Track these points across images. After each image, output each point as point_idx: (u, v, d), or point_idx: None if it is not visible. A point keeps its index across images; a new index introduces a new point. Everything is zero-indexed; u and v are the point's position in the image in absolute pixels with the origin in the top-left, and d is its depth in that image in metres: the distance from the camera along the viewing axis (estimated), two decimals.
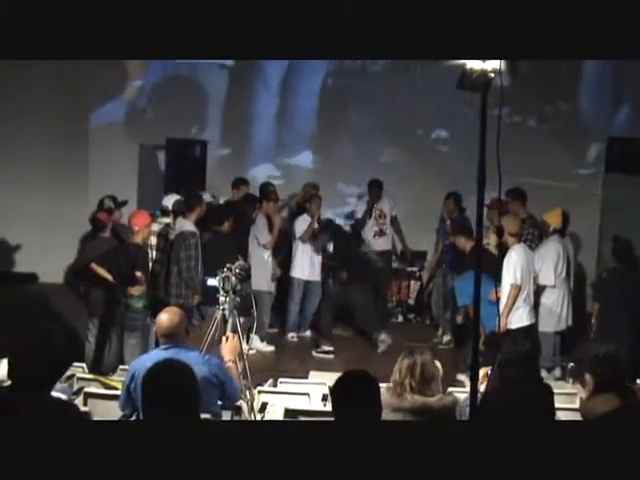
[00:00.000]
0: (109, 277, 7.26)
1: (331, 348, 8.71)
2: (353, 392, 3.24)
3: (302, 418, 4.91)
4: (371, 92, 10.87)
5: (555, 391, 4.74)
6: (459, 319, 8.44)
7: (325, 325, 9.10)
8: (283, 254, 9.18)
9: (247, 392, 5.24)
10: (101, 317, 7.33)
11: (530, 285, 7.33)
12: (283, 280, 9.17)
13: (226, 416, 4.76)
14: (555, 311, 7.85)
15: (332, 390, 3.35)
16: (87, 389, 5.32)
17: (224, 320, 5.62)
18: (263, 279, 8.57)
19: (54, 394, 3.32)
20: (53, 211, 10.27)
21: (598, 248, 9.38)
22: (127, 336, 7.30)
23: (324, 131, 11.08)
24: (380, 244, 9.74)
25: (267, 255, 8.76)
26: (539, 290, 7.70)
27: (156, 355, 4.38)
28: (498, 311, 6.28)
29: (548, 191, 9.98)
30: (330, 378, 4.93)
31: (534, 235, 8.27)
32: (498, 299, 6.34)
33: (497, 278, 6.33)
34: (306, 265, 8.99)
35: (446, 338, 9.13)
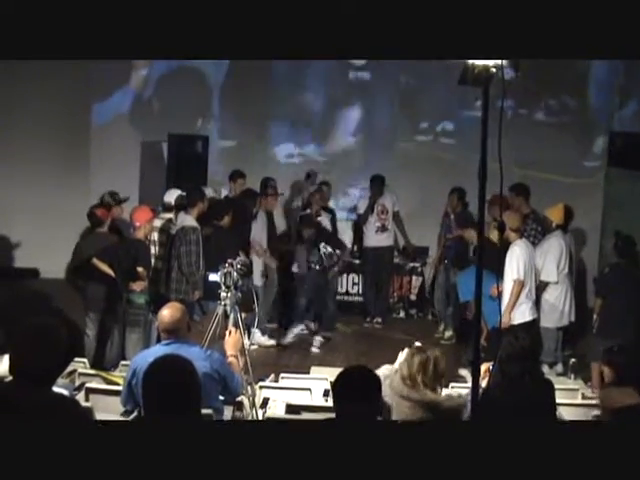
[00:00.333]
0: (111, 273, 7.26)
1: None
2: (354, 388, 3.24)
3: (304, 413, 4.90)
4: (377, 85, 10.85)
5: (557, 387, 4.74)
6: (469, 315, 8.40)
7: (329, 317, 9.14)
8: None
9: (249, 387, 5.24)
10: (103, 313, 7.32)
11: (532, 280, 7.33)
12: (287, 275, 9.21)
13: (227, 411, 4.76)
14: (557, 307, 7.84)
15: (333, 386, 3.35)
16: (89, 384, 5.31)
17: (225, 316, 5.62)
18: (256, 275, 8.57)
19: (56, 390, 3.31)
20: (55, 207, 10.25)
21: (600, 243, 9.37)
22: (129, 331, 7.32)
23: (327, 123, 11.04)
24: (382, 240, 9.73)
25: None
26: (541, 286, 7.70)
27: (158, 350, 4.38)
28: (500, 306, 6.27)
29: (552, 185, 9.94)
30: (332, 373, 4.91)
31: (537, 231, 8.25)
32: (500, 294, 6.33)
33: (499, 274, 6.31)
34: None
35: (448, 334, 9.14)
